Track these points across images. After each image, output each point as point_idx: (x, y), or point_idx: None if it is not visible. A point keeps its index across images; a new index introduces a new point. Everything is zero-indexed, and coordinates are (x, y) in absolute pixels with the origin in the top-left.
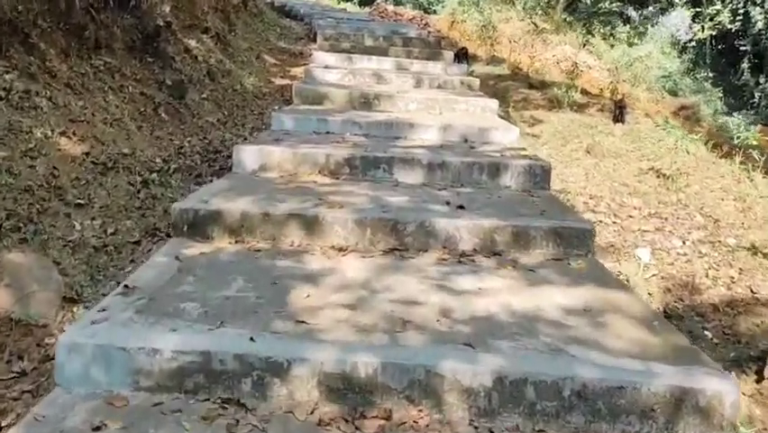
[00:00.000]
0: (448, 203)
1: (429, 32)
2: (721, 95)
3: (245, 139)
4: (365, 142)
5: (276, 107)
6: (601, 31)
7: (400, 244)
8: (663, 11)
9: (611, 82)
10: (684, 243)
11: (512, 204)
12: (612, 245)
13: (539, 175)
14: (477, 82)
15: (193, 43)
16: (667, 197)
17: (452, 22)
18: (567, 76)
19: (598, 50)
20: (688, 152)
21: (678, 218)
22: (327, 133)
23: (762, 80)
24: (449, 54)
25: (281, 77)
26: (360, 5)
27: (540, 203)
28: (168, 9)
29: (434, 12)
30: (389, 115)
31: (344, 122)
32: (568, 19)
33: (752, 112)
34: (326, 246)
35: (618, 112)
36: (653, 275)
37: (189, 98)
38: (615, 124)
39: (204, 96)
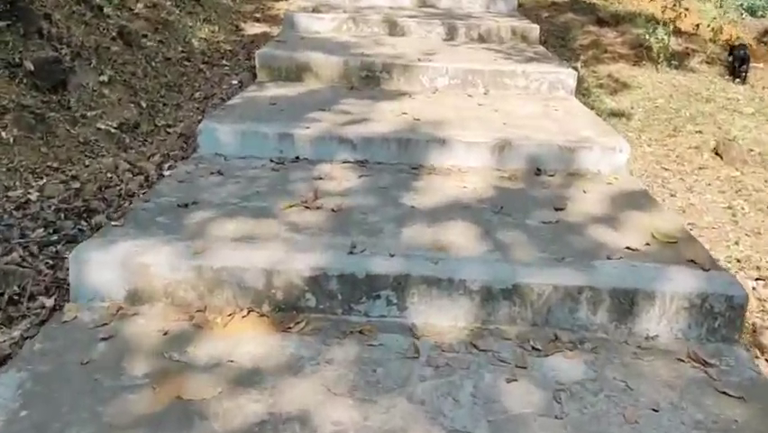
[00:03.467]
0: None
1: None
2: None
3: (144, 182)
4: (357, 191)
5: (228, 87)
6: None
7: None
8: None
9: (714, 18)
10: None
11: None
12: None
13: (721, 315)
14: (536, 31)
15: None
16: None
17: None
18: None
19: None
20: None
21: None
22: (295, 160)
23: None
24: None
25: (256, 20)
26: None
27: None
28: None
29: None
30: (404, 110)
31: (325, 138)
32: None
33: None
34: None
35: (738, 66)
36: None
37: (75, 86)
38: (734, 85)
39: (105, 77)
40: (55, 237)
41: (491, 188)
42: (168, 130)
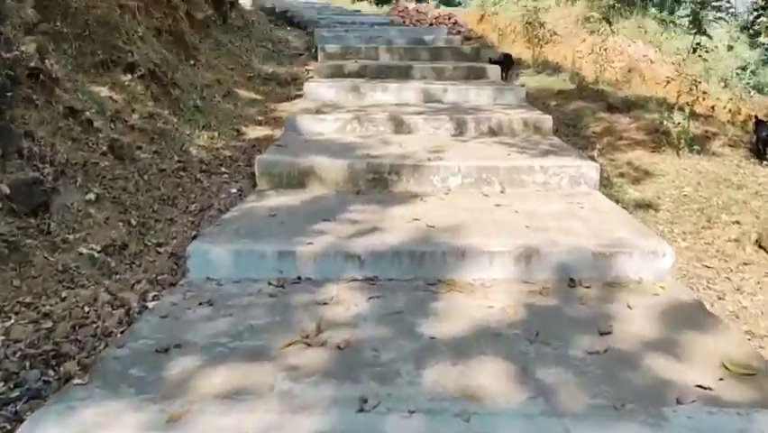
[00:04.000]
0: None
1: (461, 35)
2: None
3: (124, 317)
4: (367, 318)
5: (226, 197)
6: (658, 16)
7: None
8: None
9: (730, 99)
10: None
11: None
12: None
13: None
14: (549, 122)
15: (103, 92)
16: None
17: (482, 15)
18: (638, 79)
19: (657, 39)
20: None
21: None
22: (297, 281)
23: None
24: (494, 70)
25: (258, 123)
26: (377, 4)
27: None
28: (32, 49)
29: (459, 4)
30: (416, 215)
31: (330, 255)
32: (616, 5)
33: None
34: None
35: (763, 148)
36: None
37: (58, 207)
38: (762, 168)
39: (92, 195)
40: (16, 393)
41: (522, 308)
42: (158, 249)
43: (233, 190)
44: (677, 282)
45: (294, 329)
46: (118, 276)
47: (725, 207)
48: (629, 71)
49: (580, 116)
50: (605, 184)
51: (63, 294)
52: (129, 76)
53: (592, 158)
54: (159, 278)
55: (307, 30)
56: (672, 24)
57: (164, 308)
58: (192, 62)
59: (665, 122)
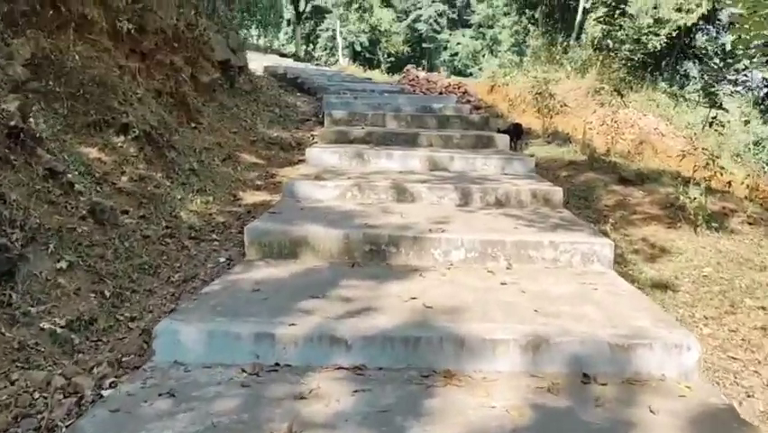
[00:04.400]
0: None
1: (471, 104)
2: None
3: (75, 407)
4: (349, 419)
5: (214, 266)
6: (668, 90)
7: None
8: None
9: (747, 175)
10: None
11: None
12: None
13: None
14: (559, 193)
15: (92, 153)
16: None
17: (493, 86)
18: (652, 154)
19: (668, 112)
20: None
21: None
22: (274, 368)
23: None
24: (502, 139)
25: (257, 188)
26: (388, 73)
27: None
28: (13, 107)
29: (470, 74)
30: (413, 293)
31: (313, 339)
32: (627, 78)
33: None
34: None
35: None
36: None
37: (25, 276)
38: None
39: (64, 263)
40: None
41: (529, 409)
42: (130, 325)
43: (222, 259)
44: (704, 381)
45: (262, 430)
46: (79, 356)
47: (748, 290)
48: (641, 144)
49: (592, 188)
50: (619, 261)
51: (14, 376)
52: (122, 137)
53: (605, 233)
54: (123, 359)
55: (317, 96)
56: (682, 99)
57: (118, 399)
58: (193, 125)
59: (681, 197)
